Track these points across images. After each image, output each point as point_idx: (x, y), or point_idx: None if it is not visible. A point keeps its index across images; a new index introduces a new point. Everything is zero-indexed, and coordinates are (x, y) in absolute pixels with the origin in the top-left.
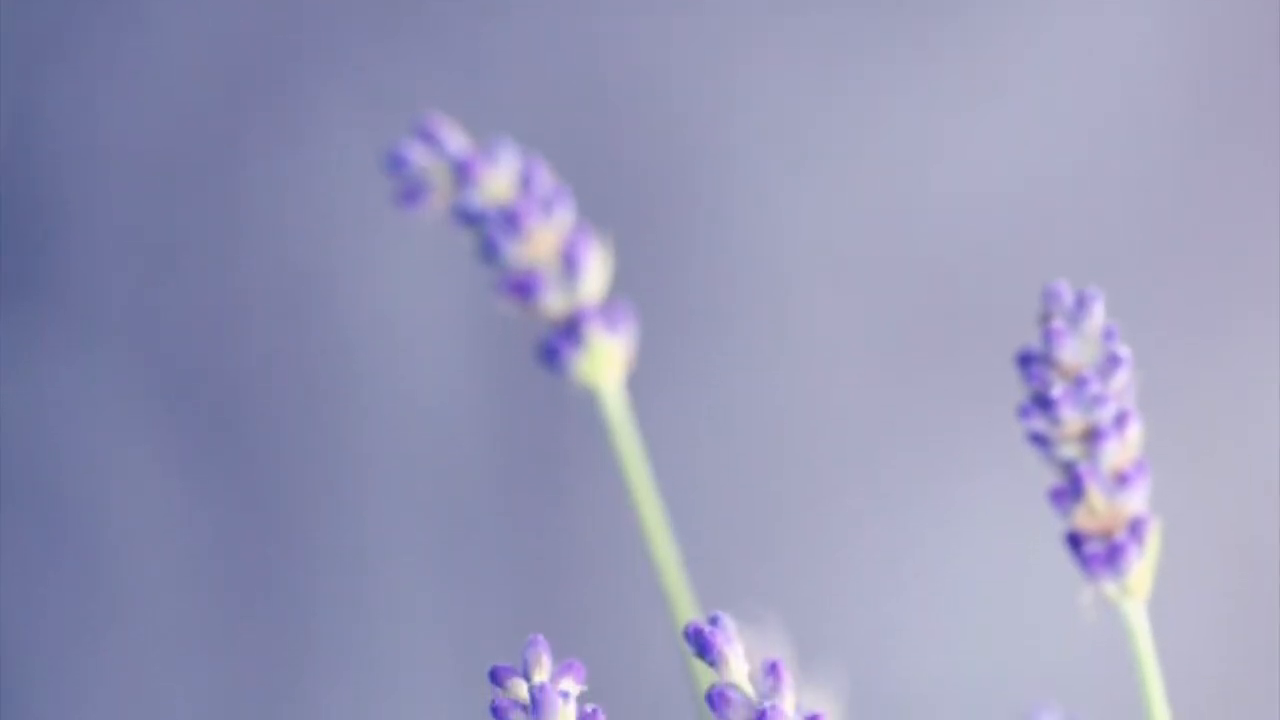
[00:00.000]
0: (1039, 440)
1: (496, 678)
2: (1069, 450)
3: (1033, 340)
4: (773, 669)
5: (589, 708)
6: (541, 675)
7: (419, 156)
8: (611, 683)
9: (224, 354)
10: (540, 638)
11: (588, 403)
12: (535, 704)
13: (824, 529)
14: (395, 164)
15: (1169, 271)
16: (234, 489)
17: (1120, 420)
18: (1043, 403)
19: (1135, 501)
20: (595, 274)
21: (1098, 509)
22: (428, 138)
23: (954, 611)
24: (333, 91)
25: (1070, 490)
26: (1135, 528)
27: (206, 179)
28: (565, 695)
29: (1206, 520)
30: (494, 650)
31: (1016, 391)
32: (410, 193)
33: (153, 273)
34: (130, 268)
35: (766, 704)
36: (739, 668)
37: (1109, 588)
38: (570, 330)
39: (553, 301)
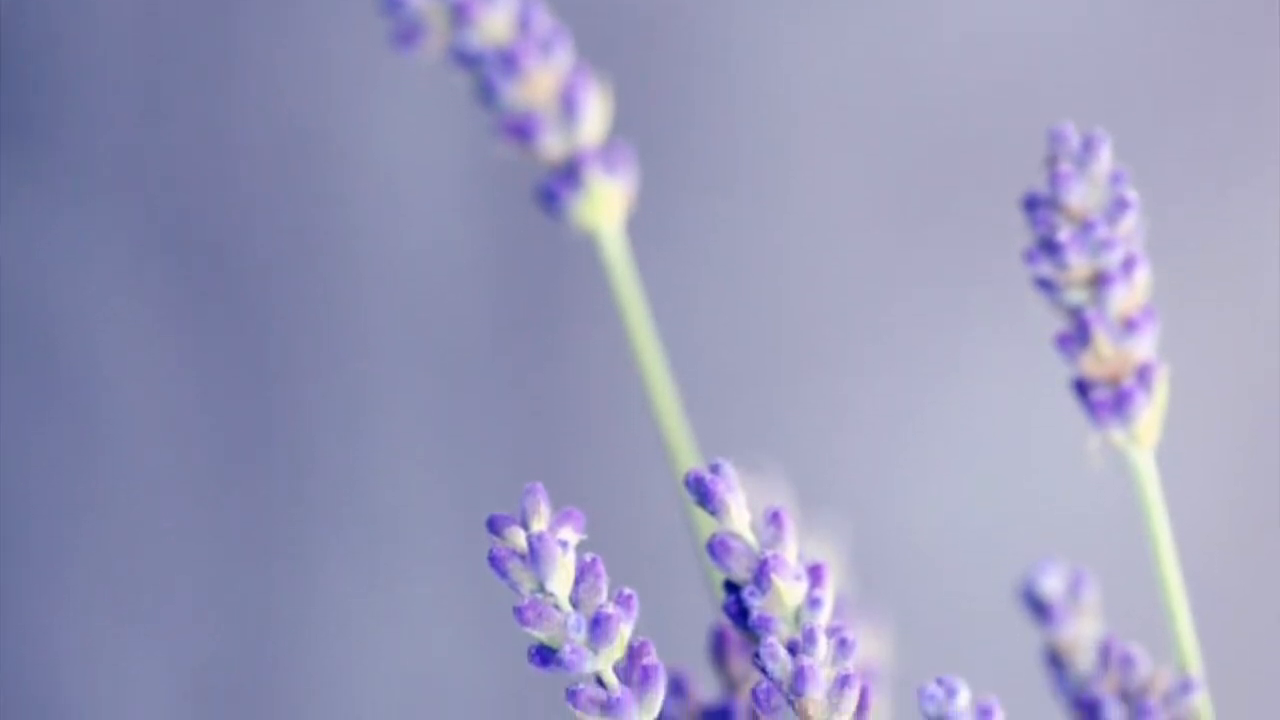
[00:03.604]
0: (1045, 286)
1: (494, 527)
2: (1076, 295)
3: (1039, 184)
4: (775, 518)
5: (588, 557)
6: (540, 524)
7: None
8: (611, 532)
9: (218, 204)
10: (539, 486)
11: (587, 252)
12: (533, 553)
13: (827, 377)
14: (391, 5)
15: (1179, 117)
16: (228, 342)
17: (1128, 265)
18: (1049, 247)
19: (1143, 348)
20: (594, 116)
21: (1105, 355)
22: None
23: (959, 461)
24: None
25: (1077, 336)
26: (1143, 374)
27: (199, 26)
28: (564, 544)
29: (1216, 368)
30: (493, 501)
31: (1023, 238)
32: (406, 34)
33: (146, 122)
34: (124, 117)
35: (768, 553)
36: (740, 516)
37: (1116, 435)
38: (569, 173)
39: (551, 144)
